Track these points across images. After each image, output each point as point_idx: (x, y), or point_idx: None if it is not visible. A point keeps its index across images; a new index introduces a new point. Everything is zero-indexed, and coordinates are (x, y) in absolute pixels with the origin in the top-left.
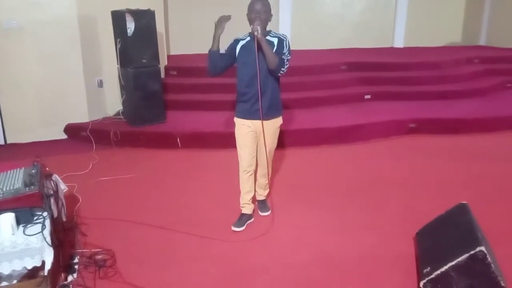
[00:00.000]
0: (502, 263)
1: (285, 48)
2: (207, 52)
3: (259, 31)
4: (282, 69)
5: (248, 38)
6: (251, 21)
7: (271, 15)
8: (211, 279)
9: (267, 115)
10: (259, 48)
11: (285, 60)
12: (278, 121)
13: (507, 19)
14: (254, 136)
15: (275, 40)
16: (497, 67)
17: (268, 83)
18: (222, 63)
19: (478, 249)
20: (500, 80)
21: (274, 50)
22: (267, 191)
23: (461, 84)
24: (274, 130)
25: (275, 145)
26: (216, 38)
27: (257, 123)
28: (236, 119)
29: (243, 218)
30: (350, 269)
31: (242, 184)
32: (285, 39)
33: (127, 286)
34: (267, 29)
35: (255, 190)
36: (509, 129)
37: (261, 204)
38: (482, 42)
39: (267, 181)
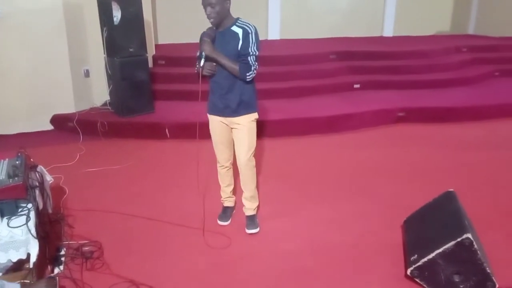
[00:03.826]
0: (488, 249)
1: (250, 43)
2: (196, 41)
3: (201, 64)
4: (249, 72)
5: (211, 32)
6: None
7: (229, 1)
8: (200, 268)
9: (237, 112)
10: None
11: (252, 61)
12: (251, 117)
13: (495, 8)
14: (226, 132)
15: (240, 32)
16: (485, 56)
17: (237, 79)
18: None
19: (464, 236)
20: (489, 69)
21: (239, 45)
22: (256, 203)
23: (450, 73)
24: (248, 126)
25: (253, 142)
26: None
27: (227, 120)
28: (208, 114)
29: (227, 212)
30: (339, 257)
31: (220, 178)
32: (251, 32)
33: (115, 277)
34: (235, 16)
35: (241, 201)
36: (497, 117)
37: (248, 221)
38: (470, 31)
39: (253, 191)
